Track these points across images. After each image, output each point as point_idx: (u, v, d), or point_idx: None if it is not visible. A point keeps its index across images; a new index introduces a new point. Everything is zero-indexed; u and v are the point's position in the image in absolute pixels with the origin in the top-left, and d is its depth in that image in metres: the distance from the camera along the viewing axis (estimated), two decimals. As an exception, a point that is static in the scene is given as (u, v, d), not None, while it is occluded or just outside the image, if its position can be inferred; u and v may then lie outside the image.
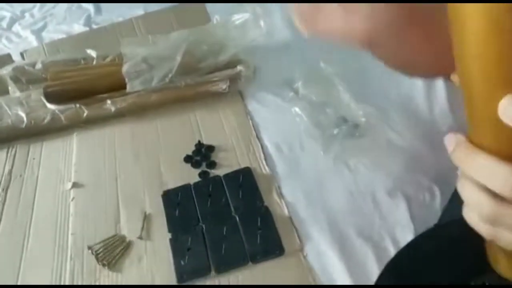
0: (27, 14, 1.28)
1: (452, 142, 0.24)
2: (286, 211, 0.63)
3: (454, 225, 0.49)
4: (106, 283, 0.60)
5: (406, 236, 0.59)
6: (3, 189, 0.76)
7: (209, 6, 1.04)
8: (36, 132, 0.84)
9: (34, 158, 0.81)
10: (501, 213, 0.22)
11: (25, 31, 1.21)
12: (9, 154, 0.83)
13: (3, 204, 0.74)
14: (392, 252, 0.57)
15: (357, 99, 0.74)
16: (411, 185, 0.64)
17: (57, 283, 0.61)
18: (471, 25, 0.19)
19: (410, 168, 0.65)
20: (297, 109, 0.77)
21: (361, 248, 0.58)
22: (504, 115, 0.21)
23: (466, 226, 0.45)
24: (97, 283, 0.60)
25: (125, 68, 0.83)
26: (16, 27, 1.24)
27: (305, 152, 0.70)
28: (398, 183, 0.64)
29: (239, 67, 0.84)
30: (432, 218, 0.61)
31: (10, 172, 0.79)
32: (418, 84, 0.76)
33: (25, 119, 0.84)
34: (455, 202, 0.59)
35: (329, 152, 0.67)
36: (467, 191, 0.24)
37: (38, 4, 1.32)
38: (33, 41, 1.17)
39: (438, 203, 0.62)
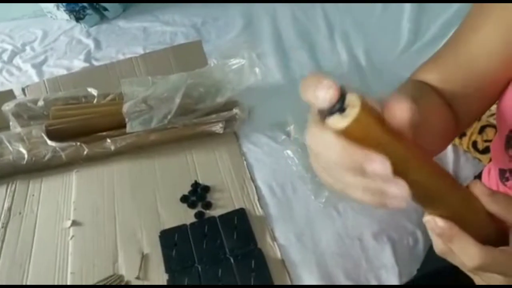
0: (27, 48, 1.33)
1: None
2: (278, 254, 0.66)
3: (436, 276, 0.53)
4: (104, 324, 0.62)
5: (391, 279, 0.62)
6: (2, 226, 0.78)
7: (206, 46, 1.09)
8: (36, 169, 0.87)
9: (33, 195, 0.84)
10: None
11: (25, 65, 1.25)
12: (8, 190, 0.85)
13: (2, 242, 0.76)
14: (378, 295, 0.60)
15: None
16: (396, 229, 0.68)
17: (56, 324, 0.63)
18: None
19: (395, 212, 0.69)
20: (289, 151, 0.81)
21: (349, 291, 0.61)
22: (427, 227, 0.30)
23: (447, 278, 0.49)
24: (96, 324, 0.62)
25: (125, 108, 0.87)
26: (17, 60, 1.28)
27: (296, 195, 0.74)
28: (384, 227, 0.68)
29: (234, 110, 0.88)
30: (415, 261, 0.65)
31: (9, 208, 0.81)
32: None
33: (26, 155, 0.87)
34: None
35: (319, 197, 0.71)
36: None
37: (39, 37, 1.36)
38: (33, 75, 1.21)
39: (421, 248, 0.66)
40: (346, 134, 0.23)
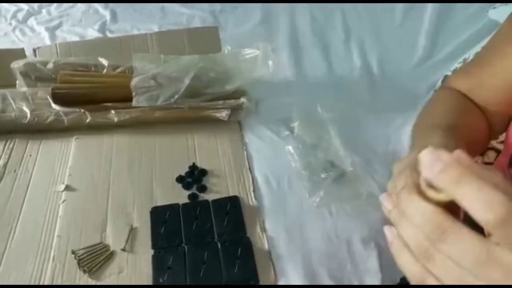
0: (44, 10, 1.32)
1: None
2: (266, 245, 0.66)
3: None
4: (85, 290, 0.62)
5: (373, 284, 0.62)
6: (-4, 181, 0.78)
7: (222, 33, 1.09)
8: (37, 130, 0.87)
9: (30, 155, 0.84)
10: (432, 251, 0.26)
11: (39, 27, 1.25)
12: (6, 148, 0.85)
13: (-6, 196, 0.75)
14: (358, 299, 0.61)
15: (347, 147, 0.79)
16: (384, 237, 0.68)
17: (36, 283, 0.63)
18: None
19: (386, 220, 0.69)
20: (290, 147, 0.81)
21: (330, 291, 0.61)
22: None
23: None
24: (76, 289, 0.62)
25: (134, 82, 0.87)
26: (31, 21, 1.28)
27: (292, 191, 0.74)
28: (373, 233, 0.68)
29: (242, 99, 0.88)
30: (400, 271, 0.65)
31: (5, 165, 0.81)
32: (404, 144, 0.82)
33: (28, 115, 0.87)
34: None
35: (314, 196, 0.72)
36: (403, 227, 0.27)
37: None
38: (46, 38, 1.21)
39: (407, 258, 0.66)
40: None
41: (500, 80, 0.43)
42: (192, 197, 0.74)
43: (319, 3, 1.28)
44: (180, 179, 0.77)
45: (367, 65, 1.07)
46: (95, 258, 0.66)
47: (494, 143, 0.76)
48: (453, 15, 1.19)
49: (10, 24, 1.26)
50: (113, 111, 0.87)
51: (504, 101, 0.43)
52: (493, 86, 0.44)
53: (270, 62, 0.86)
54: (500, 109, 0.44)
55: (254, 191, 0.75)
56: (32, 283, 0.63)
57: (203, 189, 0.75)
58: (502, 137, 0.58)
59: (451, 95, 0.46)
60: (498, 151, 0.75)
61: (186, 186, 0.76)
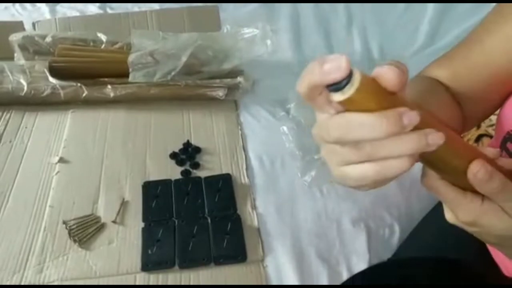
0: (45, -15, 1.31)
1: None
2: (256, 222, 0.67)
3: (405, 264, 0.54)
4: (74, 259, 0.63)
5: (360, 265, 0.63)
6: (-10, 151, 0.78)
7: (222, 13, 1.08)
8: (33, 102, 0.87)
9: (26, 127, 0.84)
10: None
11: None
12: (2, 119, 0.85)
13: (-12, 166, 0.76)
14: (344, 277, 0.61)
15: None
16: (374, 219, 0.68)
17: (27, 251, 0.64)
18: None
19: (377, 203, 0.70)
20: (285, 128, 0.81)
21: (317, 268, 0.62)
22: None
23: (414, 267, 0.50)
24: (66, 258, 0.63)
25: (131, 58, 0.86)
26: (32, -4, 1.26)
27: (284, 170, 0.75)
28: (363, 215, 0.68)
29: (239, 78, 0.88)
30: (387, 252, 0.65)
31: (0, 136, 0.81)
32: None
33: (25, 87, 0.87)
34: (411, 242, 0.64)
35: (306, 176, 0.72)
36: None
37: (57, -23, 1.34)
38: (46, 13, 1.20)
39: (395, 240, 0.67)
40: (354, 102, 0.24)
41: (485, 60, 0.43)
42: (185, 173, 0.74)
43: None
44: (173, 155, 0.77)
45: (368, 50, 1.07)
46: (86, 229, 0.66)
47: (489, 129, 0.76)
48: (456, 3, 1.17)
49: (11, -3, 1.26)
50: (109, 86, 0.87)
51: (488, 83, 0.43)
52: (478, 68, 0.43)
53: (269, 42, 0.86)
54: (484, 92, 0.44)
55: (247, 169, 0.75)
56: (23, 252, 0.64)
57: (196, 166, 0.76)
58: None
59: (421, 79, 0.45)
60: (492, 137, 0.75)
61: (179, 163, 0.76)
